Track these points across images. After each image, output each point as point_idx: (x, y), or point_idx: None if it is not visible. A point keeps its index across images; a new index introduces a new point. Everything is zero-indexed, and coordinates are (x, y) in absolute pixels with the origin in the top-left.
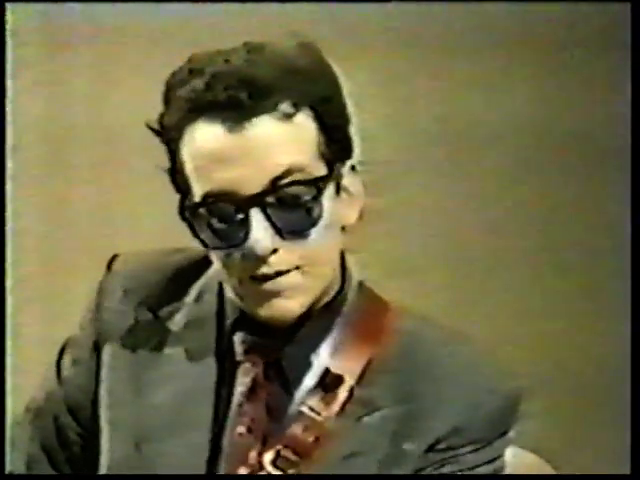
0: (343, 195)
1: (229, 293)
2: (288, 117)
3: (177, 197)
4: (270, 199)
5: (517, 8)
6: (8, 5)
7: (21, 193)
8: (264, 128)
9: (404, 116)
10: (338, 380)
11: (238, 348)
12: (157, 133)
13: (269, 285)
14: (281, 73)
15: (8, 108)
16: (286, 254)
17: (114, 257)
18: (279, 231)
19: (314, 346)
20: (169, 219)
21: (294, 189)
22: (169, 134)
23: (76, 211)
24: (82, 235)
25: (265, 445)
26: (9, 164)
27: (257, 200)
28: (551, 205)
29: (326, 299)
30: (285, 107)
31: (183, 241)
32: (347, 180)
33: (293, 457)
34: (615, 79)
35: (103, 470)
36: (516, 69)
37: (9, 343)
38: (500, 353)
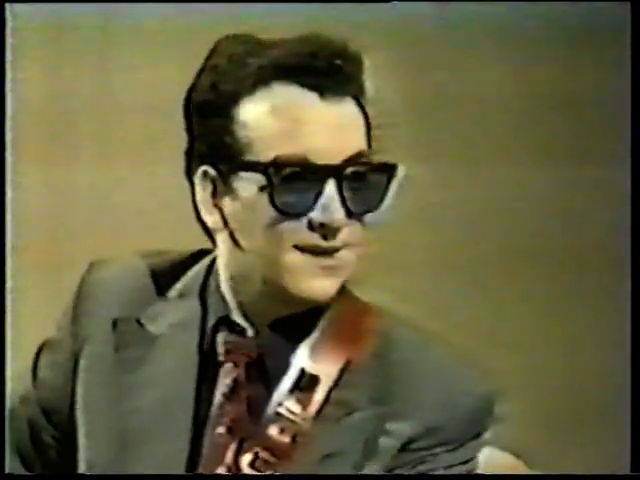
0: None
1: (240, 268)
2: (359, 103)
3: (179, 187)
4: (346, 174)
5: (517, 8)
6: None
7: (21, 184)
8: (351, 106)
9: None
10: (313, 381)
11: (220, 348)
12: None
13: (326, 260)
14: (352, 59)
15: (8, 102)
16: (349, 231)
17: (91, 264)
18: (347, 208)
19: (294, 346)
20: (171, 208)
21: (365, 170)
22: (220, 101)
23: (78, 203)
24: (83, 227)
25: (242, 446)
26: (9, 154)
27: (336, 172)
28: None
29: None
30: (361, 92)
31: (185, 227)
32: None
33: (271, 459)
34: (615, 79)
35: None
36: (516, 70)
37: (9, 343)
38: (483, 355)
